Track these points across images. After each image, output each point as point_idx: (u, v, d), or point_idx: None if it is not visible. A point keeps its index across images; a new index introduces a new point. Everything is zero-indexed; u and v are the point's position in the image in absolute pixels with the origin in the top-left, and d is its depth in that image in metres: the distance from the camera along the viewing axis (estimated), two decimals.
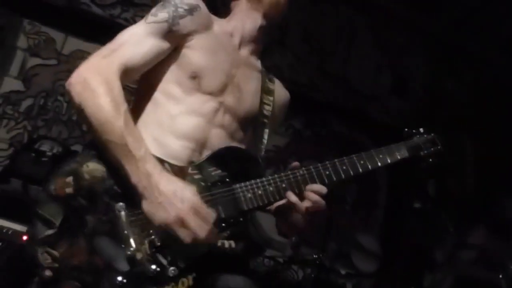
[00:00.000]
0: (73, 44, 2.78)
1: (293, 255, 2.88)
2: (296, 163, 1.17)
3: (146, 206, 1.00)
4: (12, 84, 2.69)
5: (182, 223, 0.98)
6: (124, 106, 1.04)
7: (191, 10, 1.19)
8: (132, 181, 1.00)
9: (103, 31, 2.72)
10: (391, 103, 3.62)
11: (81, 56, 2.79)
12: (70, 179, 1.03)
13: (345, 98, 3.47)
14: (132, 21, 2.75)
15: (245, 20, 1.33)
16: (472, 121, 3.61)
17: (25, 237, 1.84)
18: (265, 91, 1.34)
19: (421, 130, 1.30)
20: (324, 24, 3.40)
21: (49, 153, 2.45)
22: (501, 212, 3.10)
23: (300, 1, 3.17)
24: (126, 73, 1.10)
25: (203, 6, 1.24)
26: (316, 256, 2.38)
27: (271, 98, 1.35)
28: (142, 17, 2.94)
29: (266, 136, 1.32)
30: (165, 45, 1.17)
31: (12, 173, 2.43)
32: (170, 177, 1.03)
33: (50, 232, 1.00)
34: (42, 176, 2.42)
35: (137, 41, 1.13)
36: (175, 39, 1.18)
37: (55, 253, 0.99)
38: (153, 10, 1.18)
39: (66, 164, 1.05)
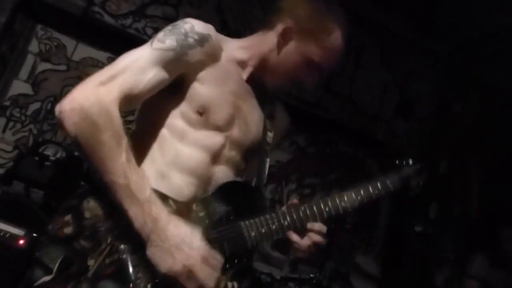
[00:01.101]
0: (83, 51, 2.82)
1: (291, 272, 2.85)
2: (295, 201, 1.19)
3: (151, 251, 0.95)
4: (21, 87, 2.72)
5: (190, 272, 0.94)
6: (125, 140, 0.97)
7: (202, 40, 1.11)
8: (136, 225, 0.94)
9: (113, 40, 2.81)
10: (397, 124, 3.61)
11: (90, 63, 2.83)
12: (69, 217, 0.97)
13: (351, 118, 3.47)
14: (142, 32, 2.79)
15: (267, 59, 1.22)
16: (478, 145, 3.59)
17: (21, 241, 1.84)
18: (268, 117, 1.30)
19: (410, 160, 1.36)
20: None
21: (52, 158, 2.46)
22: (502, 242, 3.06)
23: None
24: (125, 102, 1.01)
25: (214, 34, 1.15)
26: (313, 276, 2.35)
27: (273, 123, 1.31)
28: (152, 28, 2.97)
29: (267, 165, 1.30)
30: (169, 74, 1.08)
31: (15, 175, 2.45)
32: (177, 221, 0.98)
33: (48, 278, 0.93)
34: (45, 180, 2.43)
35: (139, 68, 1.03)
36: (180, 69, 1.11)
37: None
38: (161, 35, 1.09)
39: (67, 200, 0.99)
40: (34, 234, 1.85)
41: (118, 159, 0.94)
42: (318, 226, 1.16)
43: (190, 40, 1.09)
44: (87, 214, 0.97)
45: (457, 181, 3.44)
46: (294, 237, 1.15)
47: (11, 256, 1.80)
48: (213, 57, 1.15)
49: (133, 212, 0.94)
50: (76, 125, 0.94)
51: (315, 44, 1.17)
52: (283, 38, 1.19)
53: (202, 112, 1.12)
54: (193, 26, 1.11)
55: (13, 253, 1.80)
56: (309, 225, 1.15)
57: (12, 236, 1.81)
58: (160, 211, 0.96)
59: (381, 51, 3.59)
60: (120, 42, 2.81)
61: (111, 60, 2.83)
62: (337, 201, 1.18)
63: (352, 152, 3.53)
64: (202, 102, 1.12)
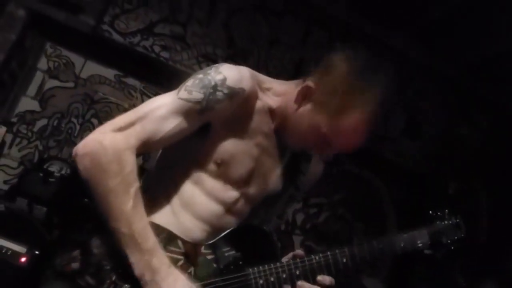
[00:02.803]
0: (91, 68, 2.84)
1: None
2: (300, 253, 1.11)
3: None
4: (28, 104, 2.75)
5: None
6: (134, 186, 0.95)
7: (232, 95, 1.03)
8: (136, 273, 0.93)
9: (121, 58, 2.84)
10: (404, 145, 3.58)
11: (98, 81, 2.85)
12: (77, 253, 0.98)
13: None
14: (150, 50, 2.81)
15: (288, 112, 1.12)
16: (486, 168, 3.54)
17: (23, 259, 1.83)
18: (297, 170, 1.22)
19: (446, 212, 1.22)
20: None
21: (57, 174, 2.46)
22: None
23: (316, 39, 3.22)
24: (143, 149, 0.99)
25: (249, 86, 1.06)
26: None
27: (303, 178, 1.23)
28: (160, 46, 2.98)
29: (288, 211, 1.25)
30: (192, 125, 1.04)
31: (19, 191, 2.44)
32: (177, 275, 0.96)
33: None
34: (48, 196, 2.42)
35: (160, 117, 1.00)
36: (205, 120, 1.05)
37: None
38: (189, 84, 1.03)
39: (75, 234, 1.01)
40: (36, 252, 1.84)
41: (123, 207, 0.93)
42: (329, 280, 1.08)
43: (219, 94, 1.02)
44: (94, 251, 0.98)
45: (466, 203, 3.38)
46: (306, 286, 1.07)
47: (13, 274, 1.79)
48: (244, 110, 1.08)
49: (134, 260, 0.93)
50: (86, 170, 0.95)
51: (327, 116, 1.05)
52: (302, 96, 1.09)
53: (220, 163, 1.08)
54: (225, 78, 1.03)
55: (15, 271, 1.79)
56: (320, 277, 1.08)
57: (13, 253, 1.79)
58: (161, 263, 0.95)
59: None
60: (128, 60, 2.84)
61: (118, 77, 2.87)
62: (356, 251, 1.10)
63: (358, 172, 3.50)
64: (222, 155, 1.08)
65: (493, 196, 3.41)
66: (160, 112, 1.00)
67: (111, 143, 0.95)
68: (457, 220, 1.21)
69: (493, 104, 3.73)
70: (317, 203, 3.35)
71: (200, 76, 1.04)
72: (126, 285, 0.96)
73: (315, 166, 1.27)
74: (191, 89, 1.02)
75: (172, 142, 1.04)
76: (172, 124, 1.01)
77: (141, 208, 0.96)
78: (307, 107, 1.08)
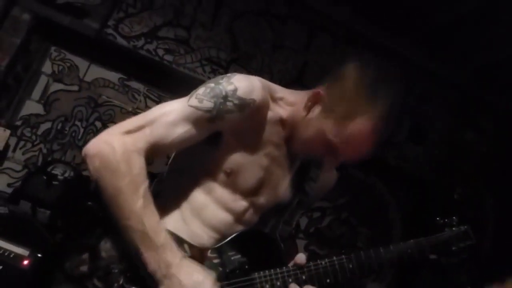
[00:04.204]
0: (95, 72, 2.85)
1: None
2: (302, 258, 1.09)
3: None
4: (33, 107, 2.75)
5: None
6: (143, 186, 0.97)
7: (243, 106, 1.03)
8: (150, 269, 0.94)
9: (125, 61, 2.84)
10: (408, 150, 3.56)
11: (102, 84, 2.86)
12: (86, 256, 1.00)
13: None
14: (154, 53, 2.82)
15: (297, 120, 1.11)
16: (491, 173, 3.51)
17: (26, 262, 1.82)
18: (308, 179, 1.21)
19: (454, 219, 1.20)
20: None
21: (60, 177, 2.46)
22: None
23: (320, 44, 3.22)
24: (151, 153, 1.00)
25: (261, 97, 1.06)
26: None
27: (313, 185, 1.21)
28: (164, 49, 2.98)
29: (296, 217, 1.24)
30: (201, 133, 1.04)
31: (22, 194, 2.45)
32: (190, 266, 0.98)
33: None
34: (51, 199, 2.42)
35: (170, 122, 1.01)
36: (214, 129, 1.05)
37: None
38: (200, 92, 1.04)
39: (84, 238, 1.02)
40: (39, 255, 1.83)
41: (134, 206, 0.95)
42: None
43: (229, 104, 1.02)
44: (103, 254, 0.99)
45: (471, 208, 3.35)
46: None
47: (15, 276, 1.78)
48: (255, 121, 1.08)
49: (147, 257, 0.94)
50: (96, 171, 0.97)
51: (334, 122, 1.03)
52: (312, 102, 1.08)
53: (230, 173, 1.08)
54: (236, 89, 1.03)
55: (17, 273, 1.78)
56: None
57: (16, 256, 1.79)
58: (174, 256, 0.96)
59: None
60: (132, 63, 2.85)
61: (122, 80, 2.88)
62: (363, 257, 1.09)
63: (362, 176, 3.48)
64: (232, 165, 1.08)
65: (499, 201, 3.39)
66: (169, 118, 1.01)
67: (120, 145, 0.97)
68: (466, 227, 1.19)
69: (498, 109, 3.71)
70: (321, 207, 3.34)
71: (212, 85, 1.05)
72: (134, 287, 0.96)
73: (327, 173, 1.25)
74: (202, 97, 1.03)
75: (181, 148, 1.05)
76: (181, 130, 1.01)
77: (151, 206, 0.97)
78: (315, 113, 1.07)
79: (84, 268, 0.98)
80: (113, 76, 2.87)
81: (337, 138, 1.03)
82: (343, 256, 1.09)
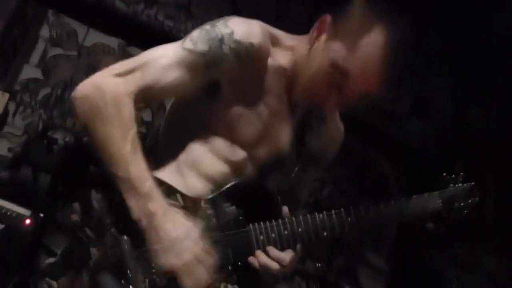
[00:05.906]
0: (94, 37, 2.80)
1: (297, 268, 2.80)
2: (285, 211, 1.06)
3: (148, 246, 0.93)
4: (31, 72, 2.72)
5: (183, 271, 0.91)
6: (132, 131, 0.93)
7: (239, 51, 0.97)
8: (134, 217, 0.92)
9: (125, 26, 2.79)
10: (411, 123, 3.54)
11: (101, 49, 2.82)
12: (77, 205, 0.98)
13: (363, 113, 3.40)
14: (154, 18, 2.77)
15: (298, 63, 1.06)
16: (495, 151, 3.50)
17: (28, 221, 1.83)
18: (308, 130, 1.16)
19: (461, 175, 1.15)
20: None
21: (61, 142, 2.45)
22: None
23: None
24: (141, 98, 0.96)
25: (259, 41, 0.99)
26: (320, 265, 2.30)
27: (315, 138, 1.16)
28: (164, 15, 2.93)
29: (295, 171, 1.18)
30: (195, 80, 0.99)
31: (23, 160, 2.44)
32: (176, 218, 0.94)
33: (51, 260, 0.96)
34: (52, 164, 2.42)
35: (163, 66, 0.96)
36: (210, 77, 1.00)
37: (55, 284, 0.95)
38: (195, 34, 0.98)
39: (77, 187, 1.00)
40: (41, 214, 1.84)
41: (121, 152, 0.91)
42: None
43: (225, 48, 0.96)
44: (95, 204, 0.97)
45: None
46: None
47: (17, 235, 1.79)
48: (254, 68, 1.02)
49: (132, 205, 0.92)
50: (84, 114, 0.93)
51: (345, 43, 0.96)
52: (317, 31, 1.01)
53: (228, 124, 1.05)
54: (232, 32, 0.97)
55: (19, 233, 1.79)
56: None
57: (18, 215, 1.79)
58: (158, 206, 0.92)
59: None
60: (132, 28, 2.80)
61: (122, 46, 2.83)
62: (362, 212, 1.06)
63: (363, 148, 3.47)
64: (230, 116, 1.04)
65: (501, 182, 3.39)
66: (162, 61, 0.96)
67: (110, 87, 0.93)
68: (472, 184, 1.15)
69: (504, 88, 3.66)
70: (320, 178, 3.34)
71: (207, 27, 0.99)
72: (126, 238, 0.95)
73: (332, 125, 1.20)
74: (197, 40, 0.97)
75: (173, 95, 1.02)
76: (175, 75, 0.97)
77: (138, 153, 0.93)
78: (321, 42, 1.00)
79: (75, 217, 0.97)
80: (113, 42, 2.81)
81: (347, 61, 0.95)
82: (342, 210, 1.06)
